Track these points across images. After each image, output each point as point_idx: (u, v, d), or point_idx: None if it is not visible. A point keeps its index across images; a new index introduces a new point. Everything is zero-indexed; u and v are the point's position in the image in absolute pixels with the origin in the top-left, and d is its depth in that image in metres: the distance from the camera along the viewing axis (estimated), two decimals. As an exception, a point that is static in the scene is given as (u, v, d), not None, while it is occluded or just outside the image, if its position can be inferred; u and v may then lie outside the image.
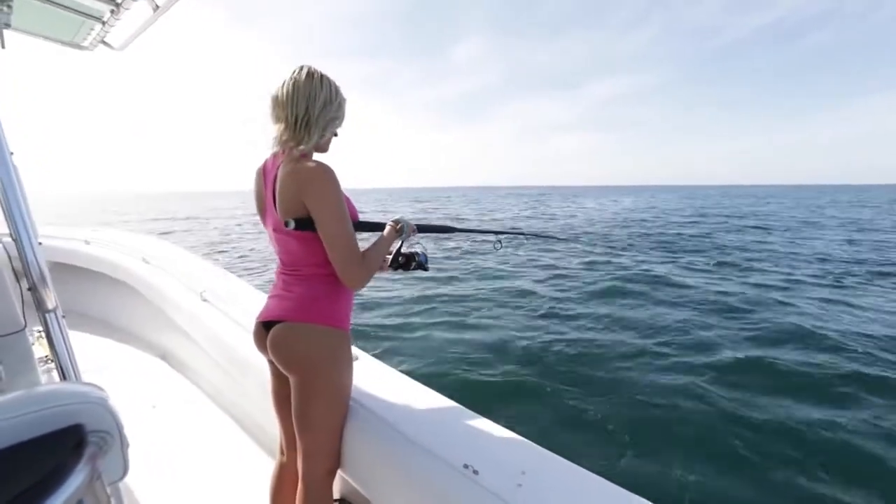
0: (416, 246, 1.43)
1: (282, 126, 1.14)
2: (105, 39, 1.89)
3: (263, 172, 1.26)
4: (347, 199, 1.22)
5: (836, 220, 20.91)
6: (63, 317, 1.23)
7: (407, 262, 1.39)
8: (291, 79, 1.13)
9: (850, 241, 13.33)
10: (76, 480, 0.48)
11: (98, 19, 1.72)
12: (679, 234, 15.41)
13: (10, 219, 1.11)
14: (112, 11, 1.63)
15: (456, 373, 4.02)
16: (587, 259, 9.81)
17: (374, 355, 1.61)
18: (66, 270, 3.56)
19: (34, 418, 0.51)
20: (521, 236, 2.20)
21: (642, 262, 9.69)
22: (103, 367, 2.72)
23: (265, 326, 1.24)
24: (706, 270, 8.82)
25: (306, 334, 1.17)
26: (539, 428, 3.09)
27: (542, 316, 5.69)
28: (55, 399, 0.54)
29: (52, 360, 1.68)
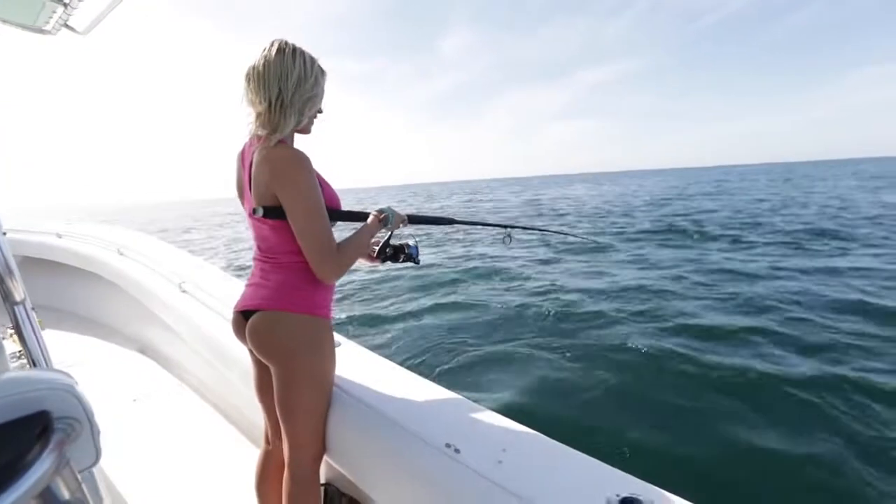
0: (408, 238, 1.38)
1: (255, 110, 1.10)
2: (68, 23, 1.82)
3: (242, 157, 1.23)
4: (327, 186, 1.20)
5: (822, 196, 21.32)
6: (32, 309, 1.20)
7: (395, 255, 1.34)
8: (262, 57, 1.07)
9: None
10: (42, 466, 0.47)
11: (59, 1, 1.65)
12: (678, 217, 15.50)
13: None
14: None
15: (439, 355, 4.07)
16: (585, 247, 9.90)
17: (358, 341, 1.62)
18: (38, 265, 3.46)
19: (4, 404, 0.50)
20: (535, 231, 2.06)
21: (637, 245, 9.90)
22: (81, 361, 2.66)
23: (244, 315, 1.22)
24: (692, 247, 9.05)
25: (285, 323, 1.15)
26: (519, 407, 3.15)
27: (533, 306, 5.74)
28: (19, 386, 0.53)
29: (24, 356, 1.64)
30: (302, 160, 1.08)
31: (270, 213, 1.11)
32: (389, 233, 1.32)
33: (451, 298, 6.09)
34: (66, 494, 0.51)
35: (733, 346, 4.09)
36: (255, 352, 1.22)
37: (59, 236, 3.44)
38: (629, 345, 4.14)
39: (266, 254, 1.21)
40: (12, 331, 1.94)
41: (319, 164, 1.16)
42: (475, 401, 1.22)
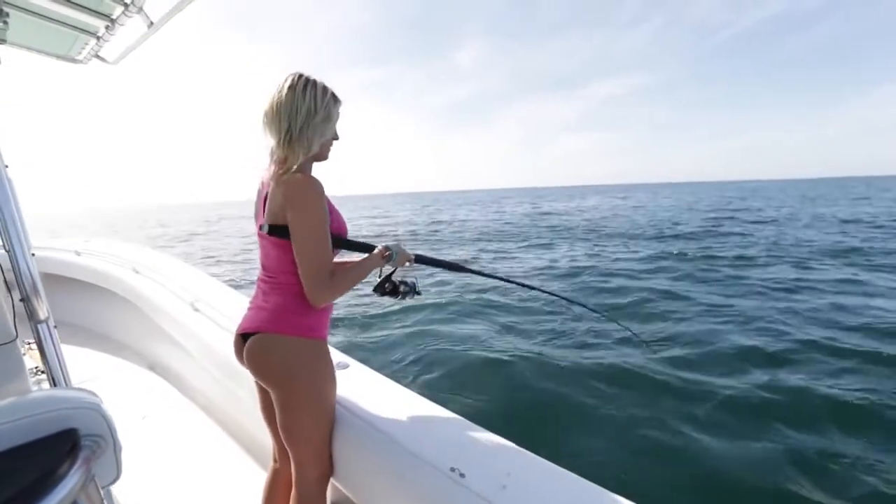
0: (409, 276, 1.38)
1: (272, 142, 1.17)
2: (99, 54, 1.92)
3: (262, 181, 1.28)
4: (336, 214, 1.23)
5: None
6: (55, 327, 1.25)
7: (395, 290, 1.34)
8: (276, 93, 1.14)
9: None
10: (70, 482, 0.50)
11: (93, 34, 1.75)
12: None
13: (5, 230, 1.12)
14: (107, 27, 1.66)
15: (447, 378, 4.05)
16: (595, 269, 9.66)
17: (366, 364, 1.63)
18: (57, 281, 3.54)
19: (29, 423, 0.53)
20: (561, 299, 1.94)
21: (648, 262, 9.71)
22: (93, 377, 2.70)
23: (243, 338, 1.24)
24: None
25: (280, 346, 1.16)
26: (525, 432, 3.12)
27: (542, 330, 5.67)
28: (49, 404, 0.56)
29: (41, 372, 1.68)
30: (313, 186, 1.13)
31: (275, 231, 1.15)
32: (393, 269, 1.32)
33: (466, 321, 6.01)
34: None
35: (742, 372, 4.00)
36: (252, 375, 1.24)
37: (78, 254, 3.53)
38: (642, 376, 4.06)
39: (268, 273, 1.24)
40: (28, 345, 2.01)
41: (331, 171, 1.19)
42: (480, 424, 1.23)
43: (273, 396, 1.21)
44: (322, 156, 1.24)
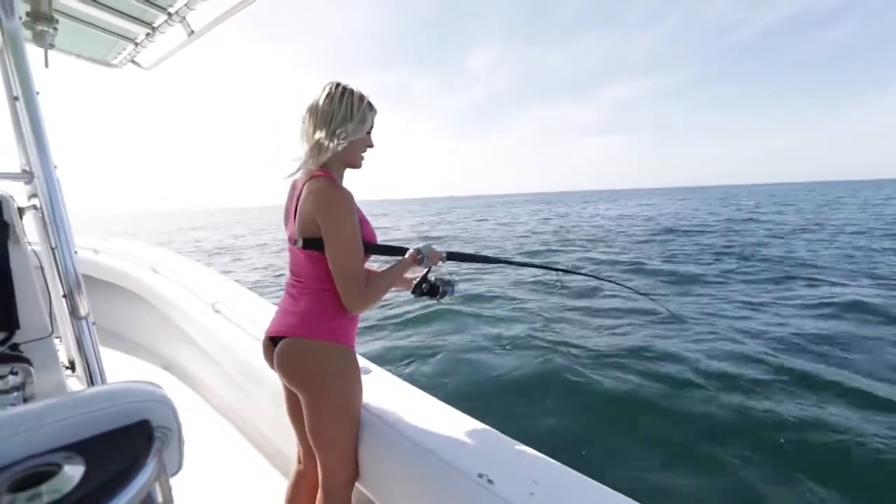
0: (446, 273, 1.39)
1: (304, 147, 1.21)
2: (135, 59, 1.98)
3: (293, 187, 1.31)
4: (367, 223, 1.26)
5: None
6: (94, 324, 1.28)
7: (432, 291, 1.36)
8: (314, 102, 1.19)
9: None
10: (148, 471, 0.53)
11: (132, 41, 1.81)
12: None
13: (54, 228, 1.16)
14: (147, 35, 1.72)
15: (468, 386, 4.03)
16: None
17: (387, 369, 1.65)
18: None
19: (111, 412, 0.56)
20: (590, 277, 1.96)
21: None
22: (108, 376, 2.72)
23: (272, 341, 1.27)
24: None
25: (310, 350, 1.19)
26: (551, 440, 3.09)
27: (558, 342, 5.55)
28: (127, 396, 0.59)
29: (66, 367, 1.71)
30: (345, 198, 1.16)
31: (309, 244, 1.19)
32: (427, 269, 1.35)
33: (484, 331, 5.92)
34: (160, 499, 0.57)
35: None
36: (281, 378, 1.26)
37: (96, 252, 3.57)
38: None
39: (297, 278, 1.27)
40: (58, 340, 2.04)
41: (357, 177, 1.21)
42: (505, 433, 1.24)
43: (302, 400, 1.23)
44: (354, 163, 1.27)
